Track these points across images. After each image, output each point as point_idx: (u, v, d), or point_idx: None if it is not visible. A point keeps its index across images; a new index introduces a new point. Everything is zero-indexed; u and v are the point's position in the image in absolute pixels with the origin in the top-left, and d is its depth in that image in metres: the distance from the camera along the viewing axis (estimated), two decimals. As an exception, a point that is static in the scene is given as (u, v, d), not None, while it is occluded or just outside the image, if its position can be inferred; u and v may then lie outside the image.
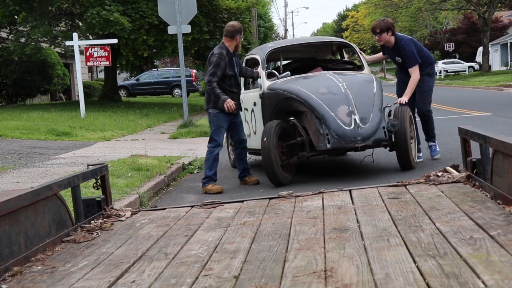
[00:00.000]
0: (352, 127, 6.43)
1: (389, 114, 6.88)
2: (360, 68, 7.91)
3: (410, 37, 7.57)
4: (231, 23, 7.19)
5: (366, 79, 7.21)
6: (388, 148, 7.02)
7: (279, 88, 7.11)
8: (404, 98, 7.14)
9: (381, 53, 7.94)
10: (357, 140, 6.43)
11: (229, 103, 6.62)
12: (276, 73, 7.61)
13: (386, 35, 7.25)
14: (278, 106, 7.07)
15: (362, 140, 6.45)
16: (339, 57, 9.14)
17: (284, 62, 9.06)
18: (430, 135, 7.60)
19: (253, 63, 8.19)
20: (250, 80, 8.10)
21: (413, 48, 7.22)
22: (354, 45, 8.39)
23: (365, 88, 6.91)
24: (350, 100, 6.58)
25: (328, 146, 6.45)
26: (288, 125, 6.77)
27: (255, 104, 7.58)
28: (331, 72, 7.34)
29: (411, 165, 6.78)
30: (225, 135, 7.21)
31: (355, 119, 6.46)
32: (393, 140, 6.74)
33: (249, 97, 7.79)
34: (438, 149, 7.56)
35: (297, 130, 6.72)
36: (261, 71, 7.44)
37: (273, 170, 6.53)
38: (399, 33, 7.53)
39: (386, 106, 6.96)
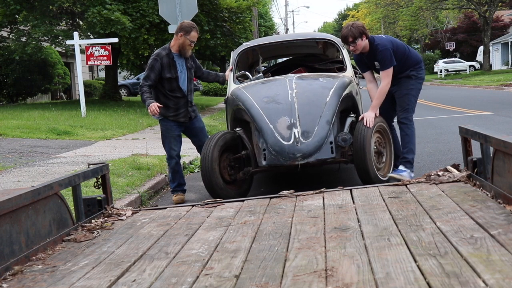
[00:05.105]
0: (291, 142, 5.48)
1: (351, 126, 5.95)
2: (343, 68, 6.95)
3: (386, 36, 6.35)
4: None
5: (324, 85, 6.07)
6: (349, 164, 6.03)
7: (235, 94, 6.32)
8: (369, 114, 5.85)
9: (369, 76, 6.32)
10: (296, 157, 5.46)
11: (152, 107, 5.81)
12: (250, 75, 6.95)
13: (361, 42, 6.03)
14: (234, 114, 6.31)
15: (303, 157, 5.46)
16: (340, 55, 8.23)
17: (281, 61, 8.73)
18: (402, 155, 6.08)
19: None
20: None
21: (389, 49, 6.03)
22: (338, 43, 7.30)
23: (316, 96, 5.84)
24: (294, 110, 5.62)
25: (264, 163, 5.61)
26: (236, 136, 6.01)
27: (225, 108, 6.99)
28: (295, 75, 6.35)
29: (370, 178, 5.63)
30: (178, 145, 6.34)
31: (295, 133, 5.50)
32: (347, 155, 5.84)
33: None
34: (403, 174, 5.76)
35: (244, 142, 5.95)
36: (228, 73, 6.81)
37: (210, 186, 5.69)
38: (373, 35, 6.26)
39: (349, 116, 6.01)
